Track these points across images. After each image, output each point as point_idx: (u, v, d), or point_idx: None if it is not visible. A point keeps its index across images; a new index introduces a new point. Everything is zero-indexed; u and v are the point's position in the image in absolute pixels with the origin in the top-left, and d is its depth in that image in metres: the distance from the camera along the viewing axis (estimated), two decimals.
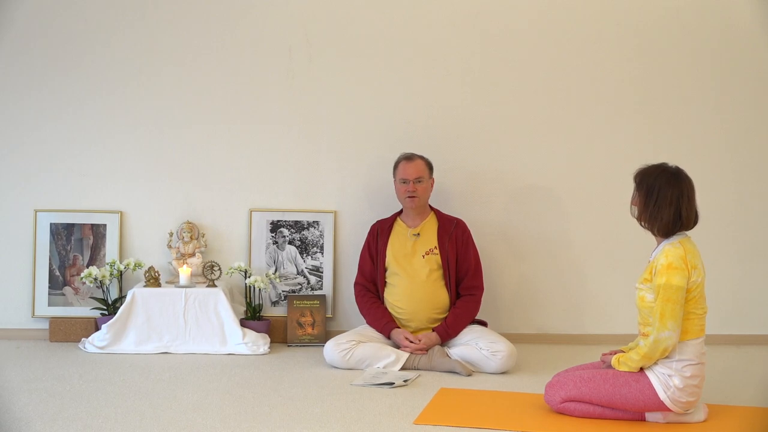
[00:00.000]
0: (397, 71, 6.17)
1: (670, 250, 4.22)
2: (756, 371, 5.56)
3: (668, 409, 4.28)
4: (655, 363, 4.28)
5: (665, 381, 4.25)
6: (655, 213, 4.25)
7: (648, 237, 4.43)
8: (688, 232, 4.35)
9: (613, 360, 4.40)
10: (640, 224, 4.35)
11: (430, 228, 5.71)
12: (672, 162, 4.37)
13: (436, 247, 5.64)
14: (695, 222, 4.32)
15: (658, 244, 4.34)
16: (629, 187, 4.40)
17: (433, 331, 5.53)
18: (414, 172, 5.62)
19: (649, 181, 4.27)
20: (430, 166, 5.71)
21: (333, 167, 6.19)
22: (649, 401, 4.27)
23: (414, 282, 5.59)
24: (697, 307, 4.28)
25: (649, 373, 4.29)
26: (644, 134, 6.21)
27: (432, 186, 5.75)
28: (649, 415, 4.34)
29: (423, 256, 5.63)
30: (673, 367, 4.25)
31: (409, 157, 5.66)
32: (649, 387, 4.27)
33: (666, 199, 4.22)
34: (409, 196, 5.63)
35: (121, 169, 6.12)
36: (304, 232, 6.18)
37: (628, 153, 6.11)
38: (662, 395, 4.25)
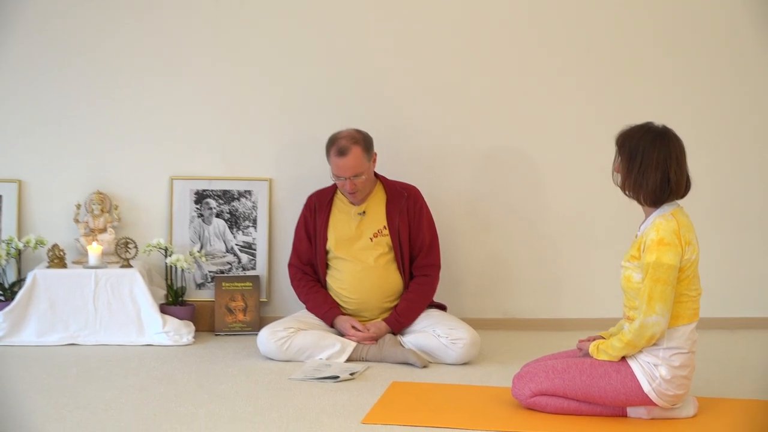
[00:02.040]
0: (346, 17, 6.20)
1: (661, 223, 4.25)
2: (752, 359, 5.67)
3: (653, 404, 4.34)
4: (640, 351, 4.33)
5: (650, 371, 4.29)
6: (640, 179, 4.26)
7: (635, 208, 4.45)
8: (681, 202, 4.38)
9: (591, 347, 4.44)
10: (625, 193, 4.35)
11: (377, 203, 5.70)
12: (660, 122, 4.40)
13: (385, 227, 5.65)
14: (687, 188, 4.34)
15: (647, 216, 4.36)
16: (612, 151, 4.42)
17: (383, 321, 5.57)
18: (350, 169, 5.50)
19: (632, 143, 4.29)
20: (368, 148, 5.57)
21: (268, 128, 6.22)
22: (631, 394, 4.32)
23: (362, 268, 5.61)
24: (690, 288, 4.32)
25: (631, 363, 4.33)
26: (629, 92, 6.31)
27: (375, 163, 5.68)
28: (631, 410, 4.39)
29: (371, 239, 5.64)
30: (659, 355, 4.29)
31: (341, 151, 5.47)
32: (631, 378, 4.31)
33: (652, 163, 4.23)
34: (348, 193, 5.60)
35: (18, 131, 6.12)
36: (234, 204, 6.21)
37: (611, 113, 6.18)
38: (647, 387, 4.30)
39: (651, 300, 4.20)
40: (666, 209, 4.31)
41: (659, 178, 4.25)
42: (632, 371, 4.33)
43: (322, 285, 5.71)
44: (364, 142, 5.56)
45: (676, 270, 4.22)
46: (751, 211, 6.44)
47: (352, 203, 5.67)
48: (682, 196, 4.35)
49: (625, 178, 4.32)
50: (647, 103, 6.26)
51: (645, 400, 4.35)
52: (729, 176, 6.41)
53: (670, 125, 4.43)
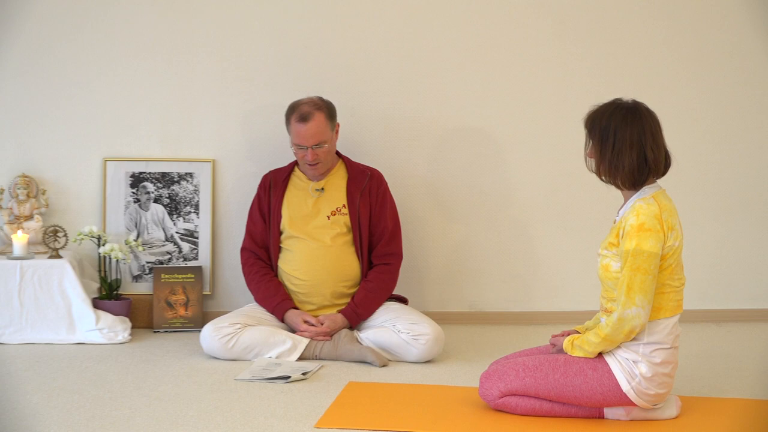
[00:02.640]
0: None
1: (641, 207, 4.25)
2: (740, 354, 5.69)
3: (632, 404, 4.33)
4: (618, 347, 4.33)
5: (629, 369, 4.29)
6: (615, 161, 4.26)
7: (613, 189, 4.47)
8: (663, 183, 4.38)
9: (565, 343, 4.44)
10: (601, 179, 4.37)
11: (337, 181, 5.73)
12: (634, 97, 4.41)
13: (344, 205, 5.67)
14: (667, 165, 4.35)
15: (626, 199, 4.37)
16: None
17: (339, 313, 5.57)
18: (312, 137, 5.55)
19: (603, 124, 4.30)
20: (331, 116, 5.64)
21: (211, 105, 6.21)
22: (608, 394, 4.32)
23: (316, 247, 5.62)
24: (673, 277, 4.32)
25: (609, 360, 4.33)
26: (602, 64, 6.35)
27: (337, 134, 5.73)
28: (608, 411, 4.39)
29: (328, 217, 5.66)
30: (639, 351, 4.29)
31: (303, 117, 5.53)
32: (609, 376, 4.31)
33: (625, 142, 4.24)
34: (309, 164, 5.62)
35: None
36: (174, 187, 6.19)
37: (584, 88, 6.25)
38: (625, 386, 4.29)
39: (630, 291, 4.20)
40: (647, 192, 4.32)
41: (635, 157, 4.26)
42: (610, 369, 4.33)
43: (275, 273, 5.71)
44: (327, 109, 5.61)
45: (657, 258, 4.22)
46: (740, 195, 6.47)
47: (311, 179, 5.69)
48: (663, 173, 4.36)
49: (599, 162, 4.34)
50: (621, 73, 6.33)
51: (624, 400, 4.34)
52: (717, 159, 6.45)
53: (647, 99, 4.44)
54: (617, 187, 4.36)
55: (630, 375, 4.29)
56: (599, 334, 4.30)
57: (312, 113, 5.54)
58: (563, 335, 4.59)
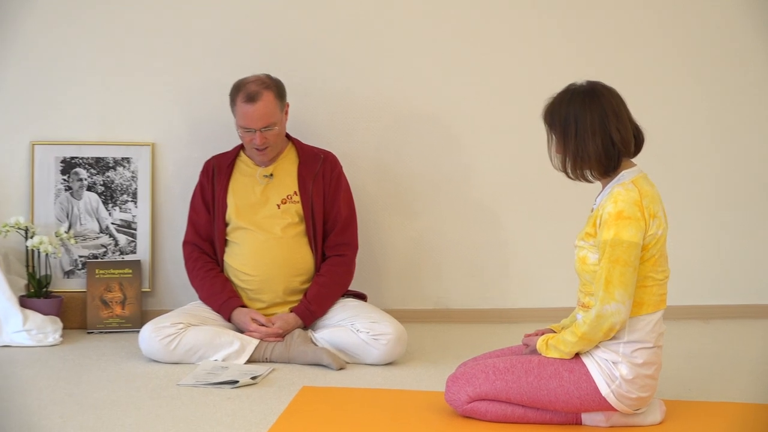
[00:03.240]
0: None
1: (620, 193, 4.26)
2: (728, 354, 5.70)
3: (613, 409, 4.33)
4: (596, 347, 4.33)
5: (609, 370, 4.29)
6: (580, 151, 4.28)
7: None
8: (647, 170, 4.39)
9: (539, 343, 4.44)
10: (568, 175, 4.38)
11: (287, 166, 5.73)
12: (603, 79, 4.42)
13: (296, 192, 5.66)
14: (639, 144, 4.36)
15: (604, 186, 4.39)
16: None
17: (292, 311, 5.56)
18: (261, 119, 5.54)
19: (561, 114, 4.32)
20: (281, 95, 5.64)
21: (149, 82, 6.19)
22: (586, 398, 4.32)
23: (265, 239, 5.62)
24: (656, 270, 4.32)
25: (586, 361, 4.33)
26: (570, 43, 6.36)
27: (287, 116, 5.73)
28: (586, 417, 4.40)
29: (278, 205, 5.65)
30: (620, 351, 4.29)
31: (251, 97, 5.52)
32: (586, 379, 4.31)
33: (587, 128, 4.26)
34: (257, 149, 5.61)
35: None
36: (110, 174, 6.16)
37: (551, 66, 6.26)
38: (605, 390, 4.29)
39: (609, 284, 4.20)
40: (625, 176, 4.32)
41: (600, 142, 4.27)
42: (587, 371, 4.33)
43: (221, 269, 5.72)
44: (276, 88, 5.61)
45: (638, 248, 4.22)
46: (729, 184, 6.52)
47: (259, 164, 5.69)
48: (635, 153, 4.38)
49: (563, 157, 4.36)
50: (591, 51, 6.36)
51: (603, 405, 4.34)
52: (704, 145, 6.50)
53: (620, 76, 4.60)
54: (589, 180, 4.38)
55: (609, 377, 4.29)
56: (576, 333, 4.30)
57: (260, 93, 5.52)
58: (537, 334, 4.58)
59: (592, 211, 4.40)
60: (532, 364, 4.38)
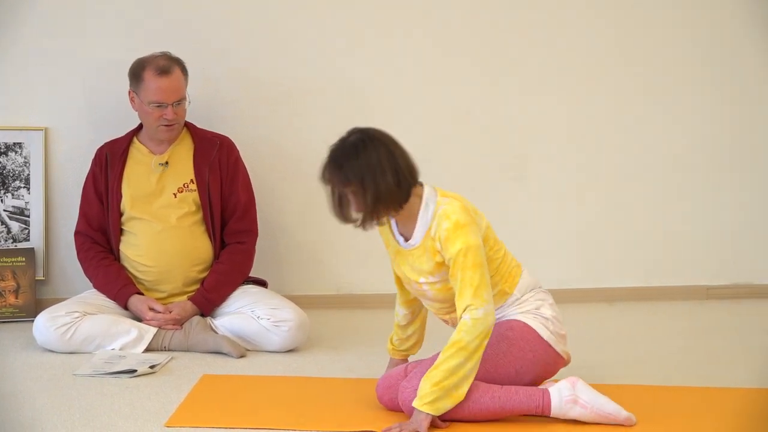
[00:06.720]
0: None
1: (446, 209, 4.33)
2: (633, 336, 5.80)
3: (561, 359, 4.47)
4: (514, 306, 4.46)
5: (539, 315, 4.46)
6: (383, 189, 4.27)
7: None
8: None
9: (419, 408, 4.22)
10: (373, 223, 4.38)
11: (182, 153, 5.71)
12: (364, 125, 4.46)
13: (192, 181, 5.67)
14: (416, 169, 4.42)
15: (413, 223, 4.42)
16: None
17: (189, 300, 5.57)
18: (175, 92, 5.53)
19: (355, 167, 4.27)
20: (186, 72, 5.65)
21: (41, 62, 6.15)
22: (535, 346, 4.39)
23: (162, 229, 5.61)
24: (494, 249, 4.48)
25: (520, 317, 4.44)
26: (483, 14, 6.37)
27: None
28: (554, 391, 4.31)
29: (174, 194, 5.65)
30: (530, 300, 4.49)
31: (164, 70, 5.51)
32: (528, 329, 4.41)
33: (379, 167, 4.28)
34: (167, 125, 5.58)
35: None
36: (1, 160, 6.14)
37: (466, 40, 6.29)
38: (545, 333, 4.42)
39: (478, 289, 4.27)
40: (430, 197, 4.42)
41: (392, 174, 4.30)
42: (525, 323, 4.44)
43: (116, 258, 5.68)
44: (181, 64, 5.63)
45: (483, 248, 4.36)
46: (627, 163, 6.54)
47: (165, 140, 5.66)
48: (418, 175, 4.43)
49: (366, 204, 4.32)
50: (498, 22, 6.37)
51: (551, 355, 4.46)
52: (598, 124, 6.51)
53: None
54: (394, 214, 4.40)
55: (542, 322, 4.46)
56: (455, 347, 4.22)
57: (172, 66, 5.55)
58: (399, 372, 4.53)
59: (412, 248, 4.43)
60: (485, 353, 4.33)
